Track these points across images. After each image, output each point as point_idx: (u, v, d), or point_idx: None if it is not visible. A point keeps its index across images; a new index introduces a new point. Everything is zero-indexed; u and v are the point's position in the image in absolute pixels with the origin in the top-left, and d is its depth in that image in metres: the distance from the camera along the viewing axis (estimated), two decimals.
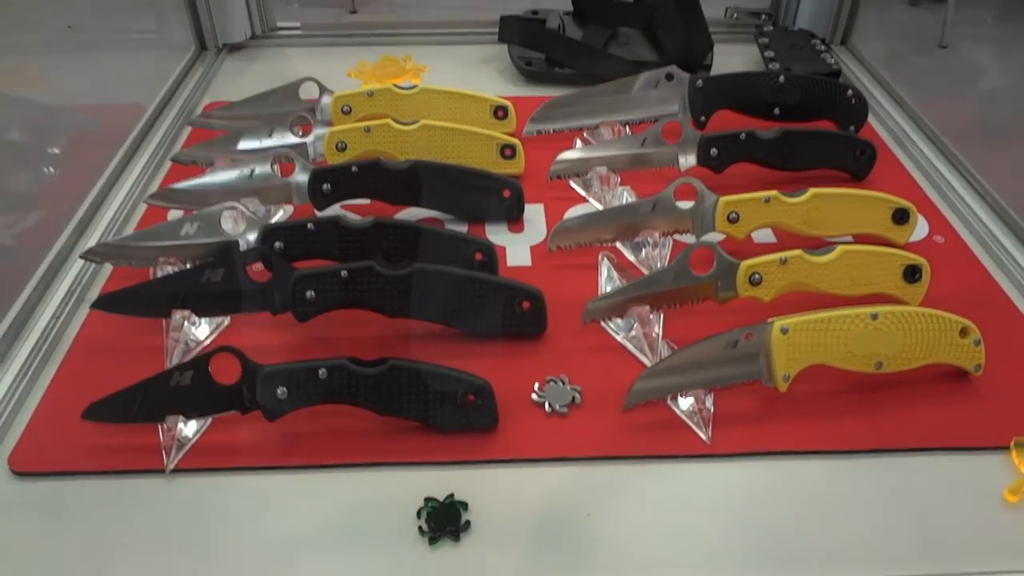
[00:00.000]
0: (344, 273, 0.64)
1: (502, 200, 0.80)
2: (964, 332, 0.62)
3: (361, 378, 0.57)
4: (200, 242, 0.71)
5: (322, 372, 0.57)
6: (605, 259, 0.74)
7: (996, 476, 0.57)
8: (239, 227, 0.71)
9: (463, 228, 0.80)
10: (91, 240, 0.78)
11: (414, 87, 0.92)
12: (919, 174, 0.89)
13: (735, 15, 1.21)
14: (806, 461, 0.58)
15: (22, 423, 0.60)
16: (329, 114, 0.92)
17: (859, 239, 0.77)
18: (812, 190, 0.74)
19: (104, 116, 1.03)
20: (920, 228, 0.81)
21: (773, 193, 0.74)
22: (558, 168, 0.84)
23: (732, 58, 1.12)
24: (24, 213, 0.85)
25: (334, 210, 0.79)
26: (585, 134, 0.93)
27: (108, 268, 0.74)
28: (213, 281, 0.65)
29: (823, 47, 1.11)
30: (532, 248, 0.77)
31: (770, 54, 1.08)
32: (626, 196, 0.83)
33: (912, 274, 0.69)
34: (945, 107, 1.05)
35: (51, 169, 0.91)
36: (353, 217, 0.70)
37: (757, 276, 0.66)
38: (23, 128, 0.96)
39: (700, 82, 0.91)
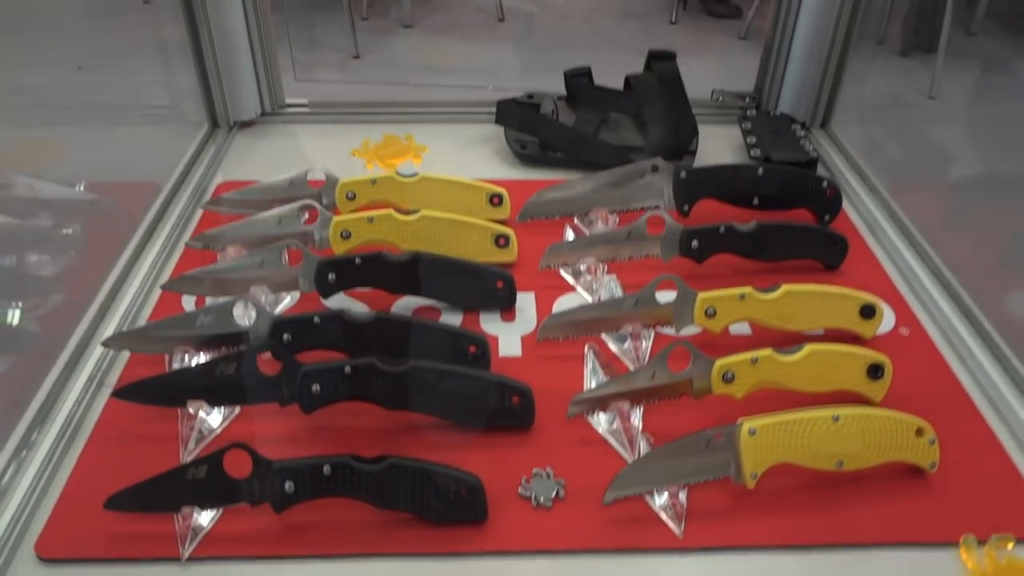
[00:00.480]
0: (347, 369, 0.69)
1: (495, 291, 0.85)
2: (920, 432, 0.67)
3: (362, 475, 0.62)
4: (214, 333, 0.77)
5: (326, 469, 0.62)
6: (590, 351, 0.79)
7: (949, 571, 0.62)
8: (250, 318, 0.76)
9: (459, 316, 0.85)
10: (110, 325, 0.83)
11: (415, 174, 0.98)
12: (889, 264, 0.95)
13: (720, 97, 1.27)
14: (773, 555, 0.63)
15: (47, 509, 0.65)
16: (335, 199, 0.97)
17: (829, 332, 0.82)
18: (784, 287, 0.80)
19: (121, 194, 1.09)
20: (887, 320, 0.86)
21: (747, 290, 0.79)
22: (549, 259, 0.89)
23: (717, 140, 1.18)
24: (46, 296, 0.90)
25: (339, 297, 0.84)
26: (576, 220, 0.99)
27: (126, 353, 0.79)
28: (226, 374, 0.70)
29: (803, 132, 1.17)
30: (523, 338, 0.82)
31: (752, 139, 1.14)
32: (612, 284, 0.88)
33: (875, 372, 0.74)
34: (917, 195, 1.11)
35: (72, 252, 0.96)
36: (356, 311, 0.76)
37: (730, 375, 0.71)
38: (44, 208, 1.01)
39: (683, 174, 0.96)
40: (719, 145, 1.17)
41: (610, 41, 3.17)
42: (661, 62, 1.15)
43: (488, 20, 3.35)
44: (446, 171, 0.99)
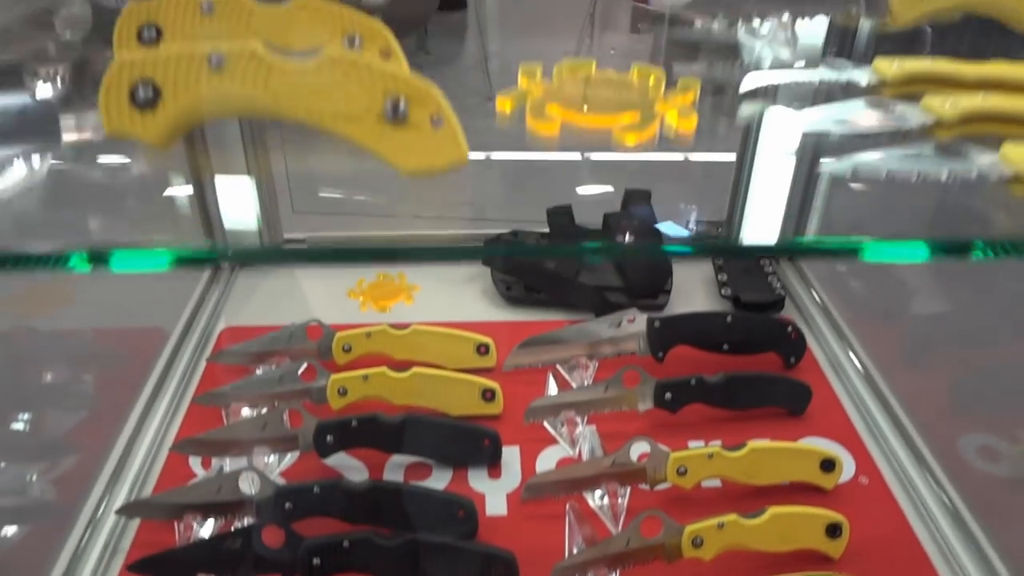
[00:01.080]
0: (346, 543, 0.75)
1: (482, 448, 0.91)
2: None
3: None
4: (220, 501, 0.83)
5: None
6: (570, 511, 0.85)
7: None
8: (254, 486, 0.82)
9: (448, 472, 0.91)
10: (123, 488, 0.89)
11: (407, 328, 1.04)
12: (851, 407, 1.01)
13: (694, 228, 1.35)
14: None
15: None
16: (332, 351, 1.04)
17: (792, 484, 0.89)
18: (750, 444, 0.86)
19: (130, 341, 1.15)
20: (848, 467, 0.92)
21: (716, 449, 0.86)
22: (532, 415, 0.95)
23: (691, 274, 1.26)
24: (59, 457, 0.95)
25: (338, 455, 0.90)
26: (558, 366, 1.05)
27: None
28: (233, 548, 0.76)
29: (771, 268, 1.24)
30: (508, 496, 0.88)
31: (723, 277, 1.21)
32: (592, 436, 0.95)
33: (834, 532, 0.80)
34: (877, 334, 1.17)
35: (83, 409, 1.02)
36: (352, 481, 0.82)
37: (699, 540, 0.77)
38: (57, 361, 1.08)
39: (657, 323, 1.04)
40: (693, 280, 1.25)
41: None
42: (637, 202, 1.23)
43: (477, 100, 3.47)
44: (436, 312, 1.05)
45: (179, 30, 0.54)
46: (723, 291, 1.20)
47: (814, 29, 0.86)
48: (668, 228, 1.23)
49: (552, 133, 0.68)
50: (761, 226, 1.31)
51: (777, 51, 0.79)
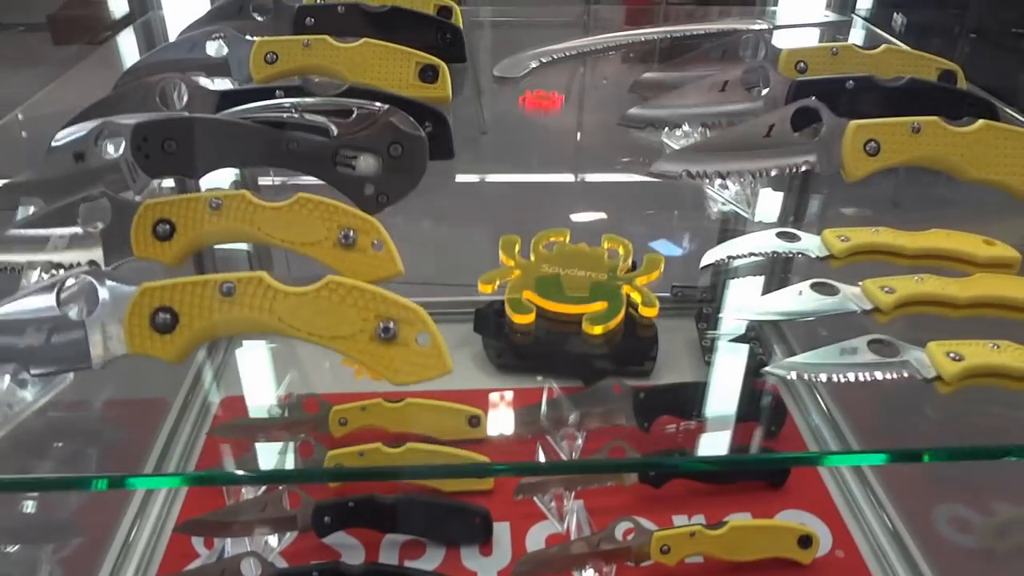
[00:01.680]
0: None
1: (473, 525, 0.95)
2: None
3: None
4: None
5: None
6: None
7: None
8: (256, 572, 0.86)
9: (441, 551, 0.95)
10: (128, 570, 0.93)
11: (401, 401, 1.08)
12: (829, 479, 1.05)
13: (679, 293, 1.38)
14: None
15: None
16: (328, 425, 1.07)
17: (772, 560, 0.92)
18: (731, 523, 0.90)
19: (134, 412, 1.18)
20: (825, 541, 0.96)
21: (698, 528, 0.90)
22: (522, 492, 0.99)
23: (675, 337, 1.29)
24: (65, 539, 0.98)
25: (337, 535, 0.94)
26: (548, 437, 1.09)
27: None
28: None
29: (753, 334, 1.28)
30: (499, 574, 0.92)
31: (706, 342, 1.25)
32: (579, 512, 0.99)
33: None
34: (851, 400, 1.21)
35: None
36: (350, 564, 0.85)
37: None
38: (66, 436, 1.11)
39: (642, 395, 1.07)
40: (678, 344, 1.28)
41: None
42: None
43: (471, 133, 3.51)
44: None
45: (190, 224, 0.58)
46: (706, 357, 1.23)
47: (772, 192, 0.90)
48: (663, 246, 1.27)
49: (528, 321, 0.80)
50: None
51: (739, 211, 0.84)
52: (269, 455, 1.02)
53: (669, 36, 1.07)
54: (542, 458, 1.06)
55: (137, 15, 1.29)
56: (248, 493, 0.99)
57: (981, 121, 0.72)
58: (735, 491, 1.01)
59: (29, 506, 1.01)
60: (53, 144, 0.66)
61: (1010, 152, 0.71)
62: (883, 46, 0.89)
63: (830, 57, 0.88)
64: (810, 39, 1.19)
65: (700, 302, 1.37)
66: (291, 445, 1.01)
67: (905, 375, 0.57)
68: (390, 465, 0.99)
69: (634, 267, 0.87)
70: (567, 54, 1.03)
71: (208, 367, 1.26)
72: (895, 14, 1.31)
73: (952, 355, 0.55)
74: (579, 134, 1.11)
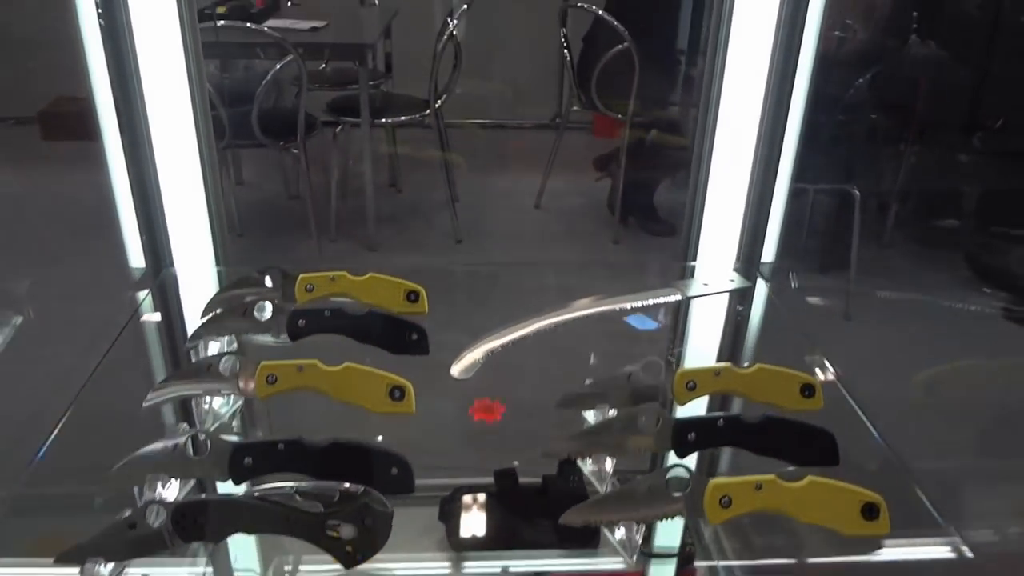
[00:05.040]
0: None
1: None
2: None
3: None
4: None
5: None
6: None
7: None
8: None
9: None
10: None
11: None
12: None
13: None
14: None
15: None
16: None
17: None
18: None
19: None
20: None
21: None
22: None
23: None
24: None
25: None
26: None
27: None
28: None
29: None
30: None
31: None
32: None
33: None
34: None
35: None
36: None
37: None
38: None
39: None
40: None
41: (556, 266, 3.56)
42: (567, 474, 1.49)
43: (447, 242, 3.75)
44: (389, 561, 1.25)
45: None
46: None
47: None
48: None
49: None
50: None
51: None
52: None
53: (597, 314, 1.30)
54: None
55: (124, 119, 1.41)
56: None
57: (809, 479, 0.95)
58: None
59: None
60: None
61: (832, 501, 0.95)
62: (756, 365, 1.12)
63: (713, 377, 1.12)
64: (719, 306, 1.43)
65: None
66: None
67: None
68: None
69: None
70: (511, 343, 1.25)
71: None
72: (791, 273, 1.56)
73: None
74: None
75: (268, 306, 1.23)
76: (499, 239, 3.84)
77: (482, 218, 3.97)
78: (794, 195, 1.51)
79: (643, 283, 1.41)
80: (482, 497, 1.53)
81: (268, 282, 1.31)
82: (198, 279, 1.49)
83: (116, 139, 1.41)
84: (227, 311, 1.25)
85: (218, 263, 1.49)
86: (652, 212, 3.84)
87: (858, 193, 3.14)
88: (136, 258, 1.46)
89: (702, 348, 1.42)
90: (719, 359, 1.36)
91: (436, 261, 3.48)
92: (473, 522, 1.43)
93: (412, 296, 1.28)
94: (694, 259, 1.52)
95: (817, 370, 1.26)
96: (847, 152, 3.43)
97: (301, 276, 1.30)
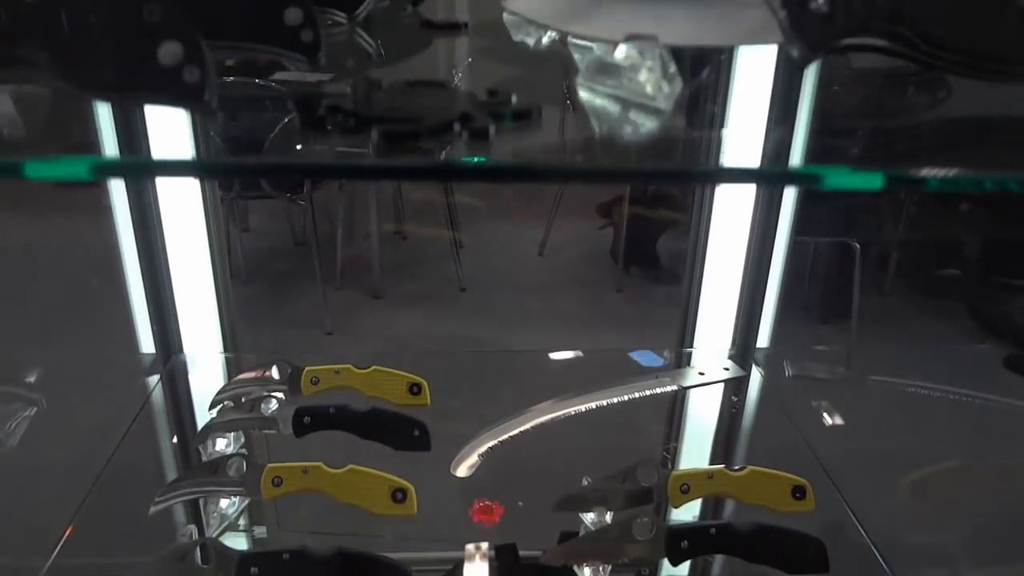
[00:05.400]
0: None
1: None
2: None
3: None
4: None
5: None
6: None
7: None
8: None
9: None
10: None
11: None
12: None
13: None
14: None
15: None
16: None
17: None
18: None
19: None
20: None
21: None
22: None
23: None
24: None
25: None
26: None
27: None
28: None
29: None
30: None
31: None
32: None
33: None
34: None
35: None
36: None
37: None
38: None
39: None
40: None
41: (561, 314, 3.60)
42: None
43: (451, 290, 3.79)
44: None
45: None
46: None
47: None
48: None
49: None
50: None
51: None
52: None
53: (595, 408, 1.33)
54: None
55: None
56: None
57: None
58: None
59: None
60: None
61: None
62: (748, 468, 1.15)
63: (707, 480, 1.15)
64: (714, 396, 1.47)
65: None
66: None
67: None
68: None
69: None
70: (508, 441, 1.29)
71: None
72: (785, 362, 1.59)
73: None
74: None
75: (274, 402, 1.27)
76: (502, 288, 3.87)
77: (486, 265, 4.01)
78: (794, 247, 1.53)
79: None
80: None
81: (275, 373, 1.34)
82: (207, 366, 1.53)
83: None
84: (235, 407, 1.29)
85: (226, 349, 1.53)
86: (655, 260, 3.88)
87: (858, 246, 3.17)
88: (147, 344, 1.50)
89: (697, 439, 1.45)
90: (714, 452, 1.40)
91: (439, 326, 3.49)
92: None
93: (415, 389, 1.32)
94: (691, 345, 1.55)
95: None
96: (846, 204, 3.45)
97: (307, 369, 1.34)
